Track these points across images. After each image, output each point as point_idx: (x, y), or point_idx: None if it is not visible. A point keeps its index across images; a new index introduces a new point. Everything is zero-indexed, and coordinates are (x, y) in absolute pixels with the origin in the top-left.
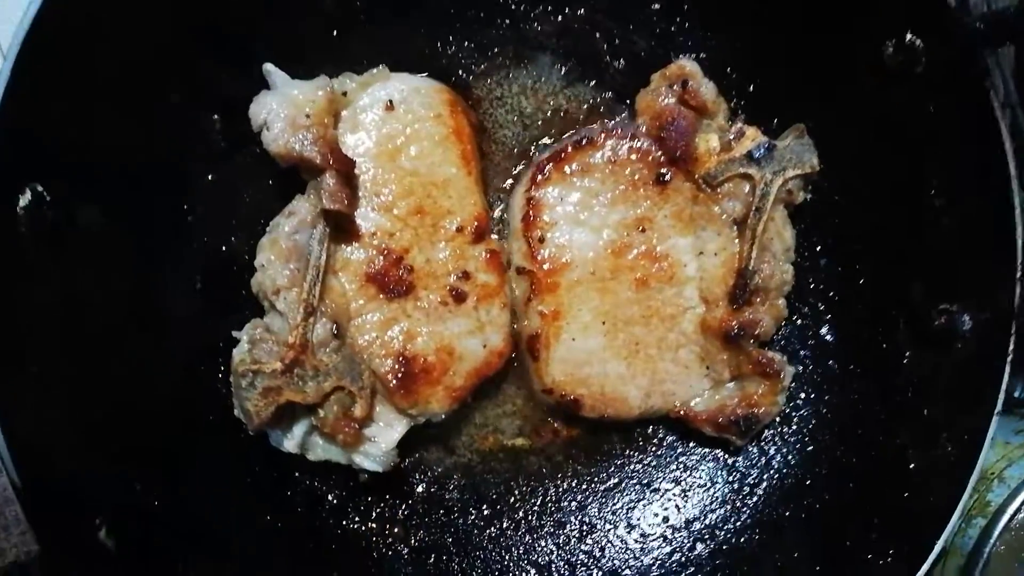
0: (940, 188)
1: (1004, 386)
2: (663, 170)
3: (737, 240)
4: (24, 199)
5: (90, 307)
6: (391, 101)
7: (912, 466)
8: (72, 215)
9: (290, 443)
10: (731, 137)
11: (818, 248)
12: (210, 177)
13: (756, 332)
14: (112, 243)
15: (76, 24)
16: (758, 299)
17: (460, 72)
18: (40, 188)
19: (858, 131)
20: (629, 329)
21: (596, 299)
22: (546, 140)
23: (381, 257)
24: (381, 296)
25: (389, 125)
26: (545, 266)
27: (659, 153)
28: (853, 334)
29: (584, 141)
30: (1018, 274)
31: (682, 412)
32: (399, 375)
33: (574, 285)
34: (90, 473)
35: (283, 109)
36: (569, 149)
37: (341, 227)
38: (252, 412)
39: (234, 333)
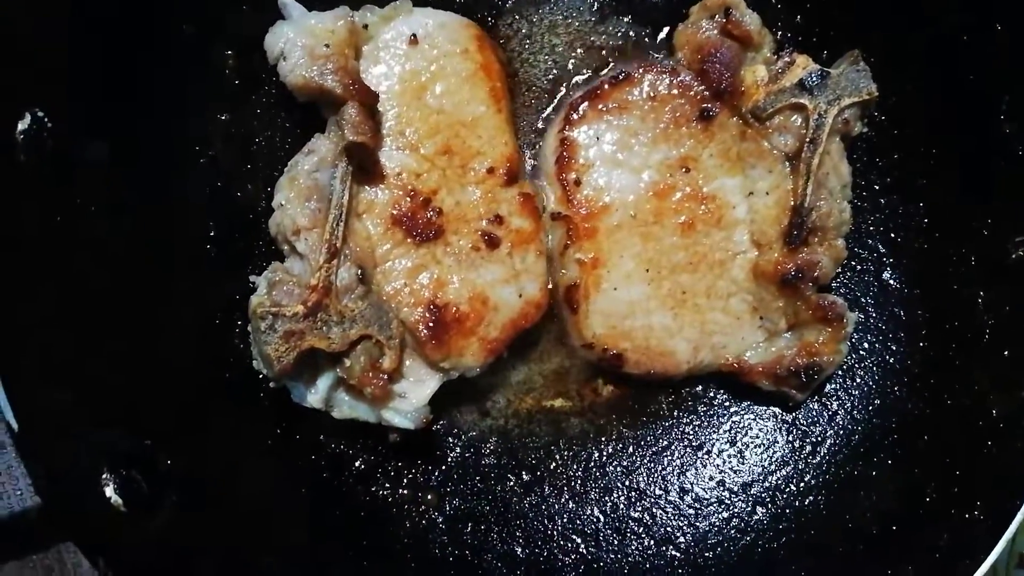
0: (1011, 111)
1: None
2: (707, 105)
3: (790, 177)
4: (23, 123)
5: (95, 250)
6: (415, 35)
7: (994, 412)
8: (78, 147)
9: (314, 398)
10: (779, 69)
11: (876, 186)
12: (223, 117)
13: (815, 274)
14: (120, 183)
15: None
16: (815, 239)
17: (485, 7)
18: (41, 113)
19: (919, 56)
20: (675, 277)
21: (638, 245)
22: (579, 78)
23: (408, 198)
24: (409, 240)
25: (413, 61)
26: (582, 210)
27: (702, 87)
28: (919, 277)
29: (621, 77)
30: None
31: (736, 365)
32: (430, 325)
33: (614, 230)
34: (96, 427)
35: (301, 39)
36: (605, 86)
37: (364, 166)
38: (273, 358)
39: (251, 278)
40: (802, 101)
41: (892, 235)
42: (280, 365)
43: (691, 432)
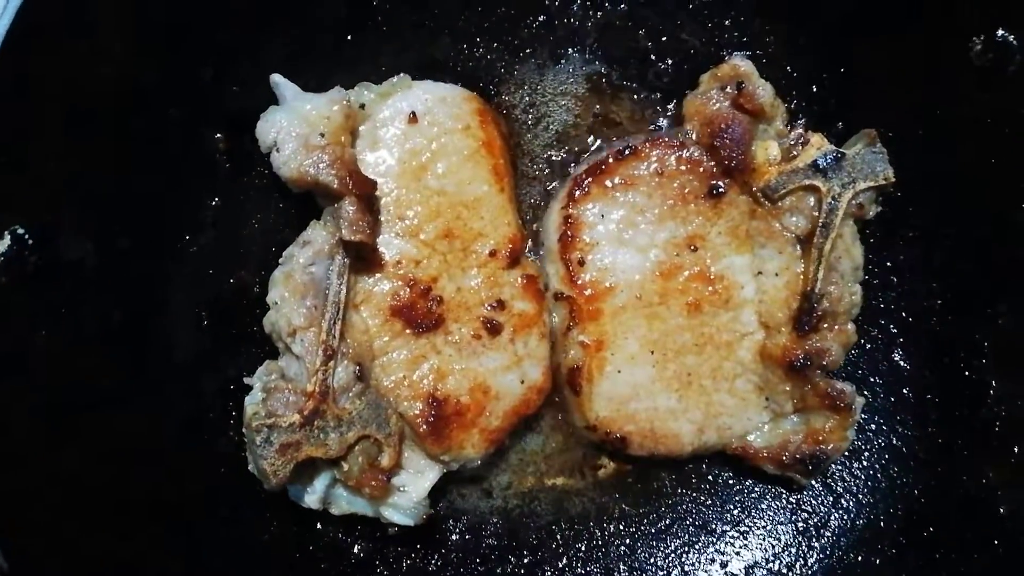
0: None
1: None
2: (716, 182)
3: (800, 259)
4: (2, 245)
5: (86, 351)
6: (414, 113)
7: (1002, 510)
8: (61, 252)
9: (311, 498)
10: (792, 144)
11: (888, 264)
12: (214, 202)
13: (824, 362)
14: (108, 278)
15: (56, 24)
16: (825, 324)
17: (489, 76)
18: (21, 231)
19: (937, 135)
20: (680, 359)
21: (644, 326)
22: (583, 150)
23: (407, 288)
24: (408, 331)
25: (413, 140)
26: (586, 291)
27: (711, 163)
28: (930, 359)
29: (627, 151)
30: None
31: (740, 449)
32: (430, 419)
33: (619, 312)
34: (87, 527)
35: (295, 127)
36: (611, 160)
37: (362, 256)
38: (269, 472)
39: (246, 380)
40: (815, 183)
41: (904, 315)
42: (277, 479)
43: (694, 511)
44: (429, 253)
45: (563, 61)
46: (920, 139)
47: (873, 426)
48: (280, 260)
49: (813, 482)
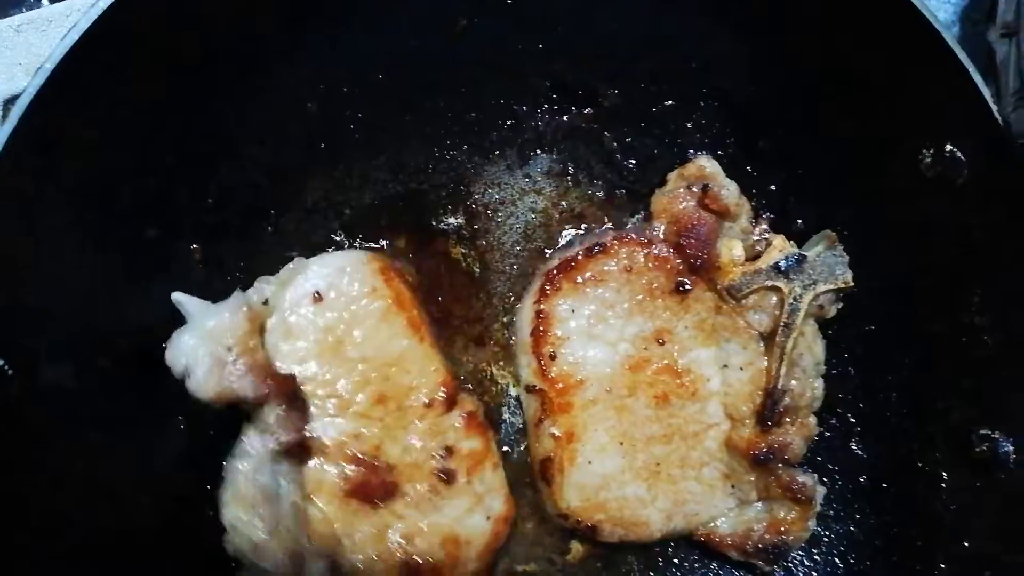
0: (983, 305)
1: None
2: (683, 279)
3: (764, 355)
4: None
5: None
6: (318, 292)
7: None
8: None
9: None
10: (755, 242)
11: (846, 355)
12: None
13: (786, 455)
14: (87, 402)
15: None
16: (787, 419)
17: (459, 178)
18: (2, 362)
19: (891, 238)
20: (649, 449)
21: (613, 418)
22: (551, 245)
23: (354, 466)
24: (366, 507)
25: (323, 317)
26: (558, 385)
27: (678, 261)
28: (886, 450)
29: (596, 248)
30: None
31: (706, 536)
32: None
33: (589, 404)
34: None
35: (202, 347)
36: (580, 256)
37: (303, 447)
38: None
39: None
40: (778, 285)
41: (861, 405)
42: None
43: None
44: (367, 423)
45: (531, 161)
46: (875, 240)
47: (831, 512)
48: (223, 475)
49: (774, 568)
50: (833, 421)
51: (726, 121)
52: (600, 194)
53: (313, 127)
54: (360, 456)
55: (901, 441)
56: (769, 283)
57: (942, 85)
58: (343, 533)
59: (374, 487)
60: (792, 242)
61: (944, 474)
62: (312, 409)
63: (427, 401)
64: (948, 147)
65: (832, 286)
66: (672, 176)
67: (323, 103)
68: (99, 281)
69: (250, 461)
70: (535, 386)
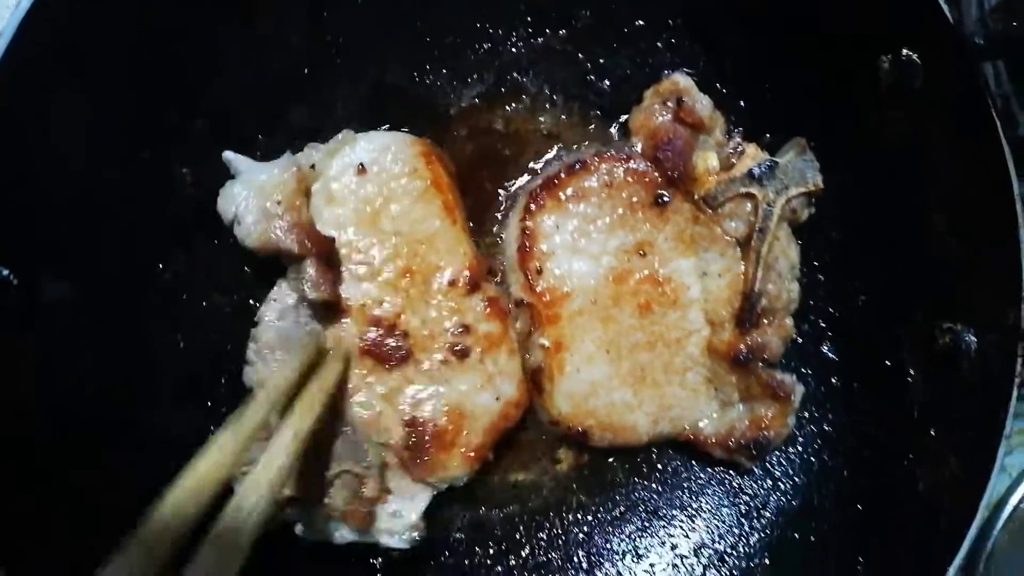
0: (941, 205)
1: (1012, 410)
2: (661, 192)
3: (741, 260)
4: None
5: (66, 398)
6: (362, 165)
7: (921, 487)
8: (40, 289)
9: (311, 531)
10: (730, 153)
11: (816, 263)
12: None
13: (765, 355)
14: (88, 319)
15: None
16: (765, 320)
17: (440, 102)
18: (6, 272)
19: (856, 145)
20: (634, 356)
21: (599, 328)
22: (537, 166)
23: (373, 328)
24: (379, 367)
25: (364, 189)
26: (545, 298)
27: (656, 174)
28: (855, 352)
29: (578, 165)
30: None
31: (691, 436)
32: (411, 445)
33: (575, 315)
34: None
35: (252, 199)
36: (562, 175)
37: (329, 305)
38: None
39: None
40: (752, 191)
41: (831, 310)
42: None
43: (646, 499)
44: (392, 291)
45: (509, 85)
46: (841, 147)
47: (806, 414)
48: (255, 319)
49: (753, 468)
50: (805, 327)
51: (694, 42)
52: (576, 115)
53: (294, 52)
54: (379, 319)
55: (870, 343)
56: (743, 190)
57: None
58: (353, 388)
59: (388, 349)
60: (765, 151)
61: (911, 370)
62: (344, 272)
63: (451, 280)
64: (904, 52)
65: (803, 189)
66: (648, 93)
67: (304, 29)
68: (98, 197)
69: (278, 307)
70: (523, 300)
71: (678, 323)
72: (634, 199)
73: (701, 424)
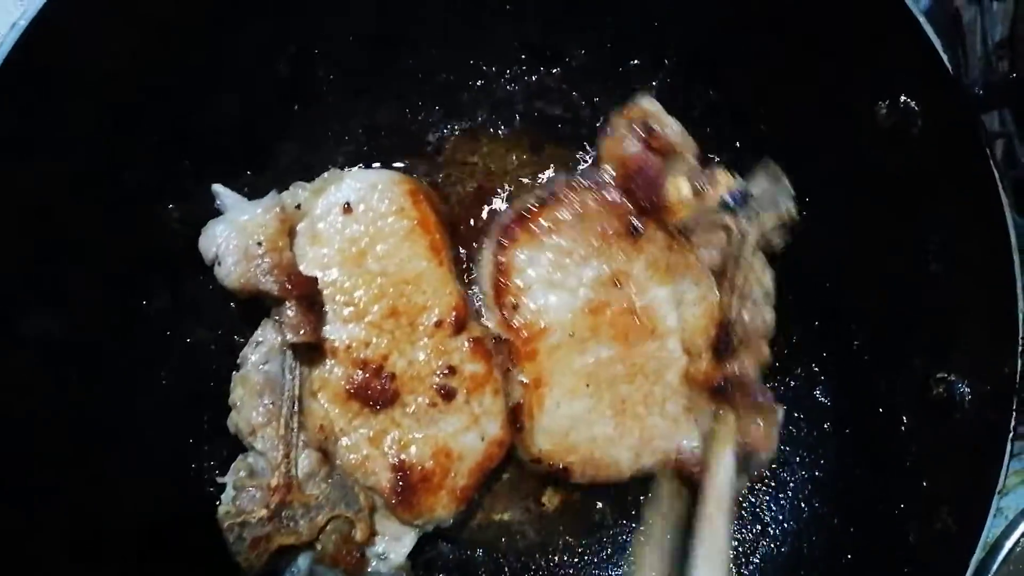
0: (937, 253)
1: (1006, 463)
2: (634, 221)
3: (716, 288)
4: None
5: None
6: (348, 203)
7: (911, 539)
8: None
9: None
10: (703, 180)
11: (810, 307)
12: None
13: (743, 383)
14: (68, 355)
15: None
16: (742, 347)
17: (432, 140)
18: None
19: (850, 190)
20: (614, 388)
21: (577, 362)
22: (505, 203)
23: (360, 371)
24: (366, 410)
25: (350, 228)
26: (522, 333)
27: (628, 204)
28: (848, 398)
29: (549, 197)
30: (1020, 348)
31: (677, 464)
32: (398, 489)
33: (553, 350)
34: None
35: (233, 239)
36: (533, 207)
37: (313, 347)
38: (244, 566)
39: (218, 479)
40: (725, 221)
41: (824, 354)
42: (253, 571)
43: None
44: (377, 333)
45: (500, 122)
46: (834, 191)
47: (797, 459)
48: (238, 361)
49: (742, 512)
50: (798, 371)
51: (691, 81)
52: (569, 154)
53: (285, 88)
54: (365, 361)
55: (863, 389)
56: (715, 219)
57: (894, 38)
58: (340, 431)
59: (375, 392)
60: (737, 176)
61: (904, 418)
62: (328, 313)
63: (437, 321)
64: (903, 98)
65: (777, 220)
66: (615, 119)
67: (294, 64)
68: (82, 231)
69: (263, 349)
70: (501, 336)
71: (656, 353)
72: (607, 229)
73: (685, 454)
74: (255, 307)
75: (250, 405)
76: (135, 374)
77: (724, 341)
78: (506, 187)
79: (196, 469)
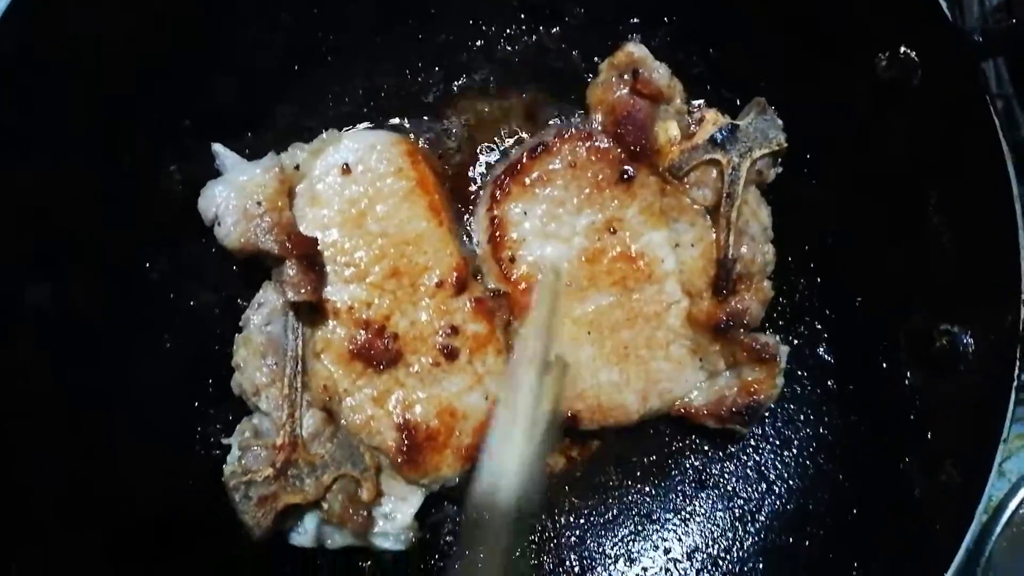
0: (939, 205)
1: (1010, 414)
2: (625, 167)
3: (712, 228)
4: None
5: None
6: (347, 164)
7: (916, 493)
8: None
9: (304, 538)
10: (691, 122)
11: (812, 265)
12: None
13: (745, 320)
14: (72, 320)
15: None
16: (742, 286)
17: (431, 101)
18: None
19: (853, 145)
20: (616, 334)
21: (577, 310)
22: (497, 157)
23: (362, 331)
24: (369, 370)
25: (349, 189)
26: (520, 286)
27: (619, 150)
28: (851, 354)
29: (540, 149)
30: (1023, 296)
31: (682, 409)
32: (404, 448)
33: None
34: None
35: (232, 200)
36: (525, 160)
37: (315, 308)
38: (251, 525)
39: (224, 440)
40: (715, 157)
41: (827, 312)
42: (260, 530)
43: (639, 502)
44: (379, 293)
45: (501, 82)
46: (837, 147)
47: (801, 417)
48: (240, 323)
49: (748, 471)
50: (801, 329)
51: (691, 40)
52: (569, 113)
53: (284, 50)
54: (368, 321)
55: (867, 345)
56: (707, 157)
57: None
58: (344, 391)
59: (378, 352)
60: (725, 115)
61: (907, 372)
62: (329, 274)
63: (439, 281)
64: (903, 49)
65: (767, 150)
66: (603, 66)
67: (293, 25)
68: (83, 196)
69: (264, 311)
70: (500, 290)
71: (656, 297)
72: (599, 177)
73: (691, 396)
74: (256, 269)
75: (253, 366)
76: (138, 339)
77: (723, 279)
78: (506, 147)
79: (202, 433)
